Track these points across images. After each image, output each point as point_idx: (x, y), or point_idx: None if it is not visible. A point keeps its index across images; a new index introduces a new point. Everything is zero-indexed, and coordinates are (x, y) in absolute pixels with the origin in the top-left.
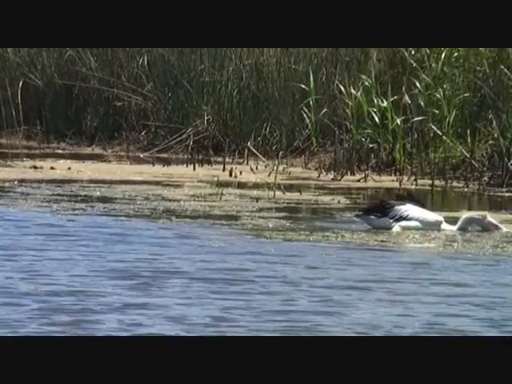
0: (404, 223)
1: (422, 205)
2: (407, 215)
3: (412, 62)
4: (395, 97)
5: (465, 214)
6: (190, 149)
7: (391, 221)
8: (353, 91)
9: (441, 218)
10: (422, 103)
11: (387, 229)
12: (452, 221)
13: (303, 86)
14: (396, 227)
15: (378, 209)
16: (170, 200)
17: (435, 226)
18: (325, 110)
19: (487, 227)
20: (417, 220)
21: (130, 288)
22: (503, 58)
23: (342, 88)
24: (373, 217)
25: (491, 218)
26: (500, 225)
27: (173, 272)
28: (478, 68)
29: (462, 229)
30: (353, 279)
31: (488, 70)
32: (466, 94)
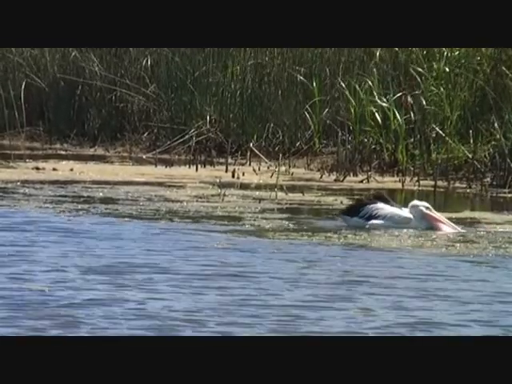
0: (374, 221)
1: (392, 203)
2: (376, 213)
3: (414, 61)
4: (398, 94)
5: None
6: (192, 150)
7: (362, 220)
8: (357, 89)
9: (410, 216)
10: (424, 104)
11: (361, 227)
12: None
13: (305, 81)
14: (368, 225)
15: (353, 208)
16: (172, 201)
17: (404, 223)
18: (327, 110)
19: (426, 218)
20: (385, 217)
21: (125, 286)
22: (504, 59)
23: (345, 88)
24: (348, 216)
25: (436, 212)
26: (446, 220)
27: (170, 271)
28: (479, 68)
29: (414, 216)
30: (354, 279)
31: (489, 71)
32: (467, 94)
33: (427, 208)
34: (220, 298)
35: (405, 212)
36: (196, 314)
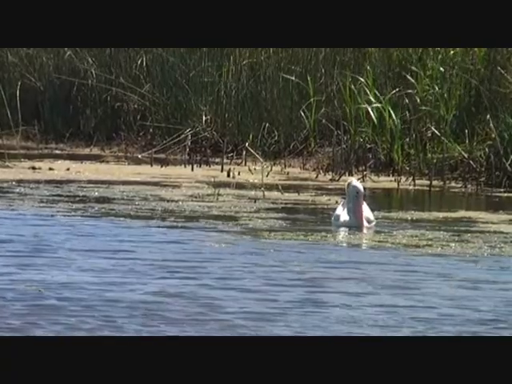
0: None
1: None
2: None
3: (409, 60)
4: (392, 93)
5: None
6: (188, 149)
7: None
8: (352, 88)
9: (338, 213)
10: (419, 103)
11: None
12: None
13: (301, 83)
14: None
15: None
16: (168, 200)
17: (336, 219)
18: (322, 110)
19: (355, 207)
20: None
21: (111, 284)
22: (498, 60)
23: (342, 87)
24: None
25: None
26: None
27: (162, 269)
28: (474, 68)
29: (347, 194)
30: (351, 278)
31: (483, 71)
32: (462, 94)
33: (357, 193)
34: (206, 293)
35: (340, 210)
36: (181, 311)
